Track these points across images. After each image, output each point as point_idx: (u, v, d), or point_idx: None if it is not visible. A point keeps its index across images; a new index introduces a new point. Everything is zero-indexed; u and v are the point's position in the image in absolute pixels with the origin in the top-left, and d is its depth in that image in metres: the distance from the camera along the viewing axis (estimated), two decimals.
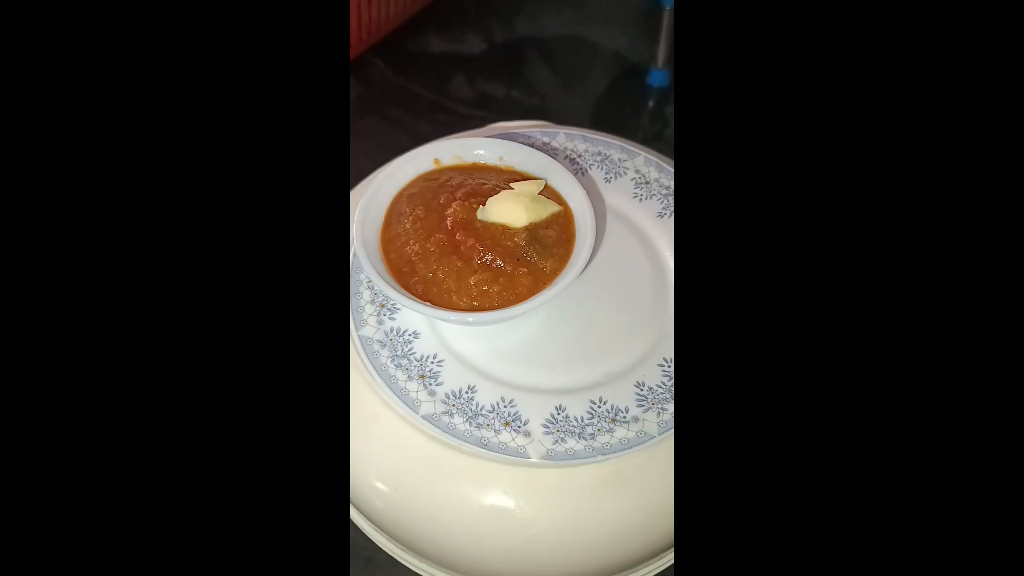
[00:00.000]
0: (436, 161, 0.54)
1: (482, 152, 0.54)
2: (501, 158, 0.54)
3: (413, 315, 0.52)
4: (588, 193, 0.52)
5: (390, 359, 0.50)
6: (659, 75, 1.00)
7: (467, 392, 0.49)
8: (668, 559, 0.53)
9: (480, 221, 0.49)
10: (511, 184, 0.51)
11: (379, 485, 0.50)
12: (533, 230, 0.49)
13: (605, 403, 0.49)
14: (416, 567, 0.54)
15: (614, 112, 1.00)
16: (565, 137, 0.63)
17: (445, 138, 0.59)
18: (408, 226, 0.49)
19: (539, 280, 0.48)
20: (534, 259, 0.49)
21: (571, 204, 0.52)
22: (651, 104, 1.02)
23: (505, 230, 0.49)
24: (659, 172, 0.61)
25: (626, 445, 0.47)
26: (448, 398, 0.49)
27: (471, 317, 0.47)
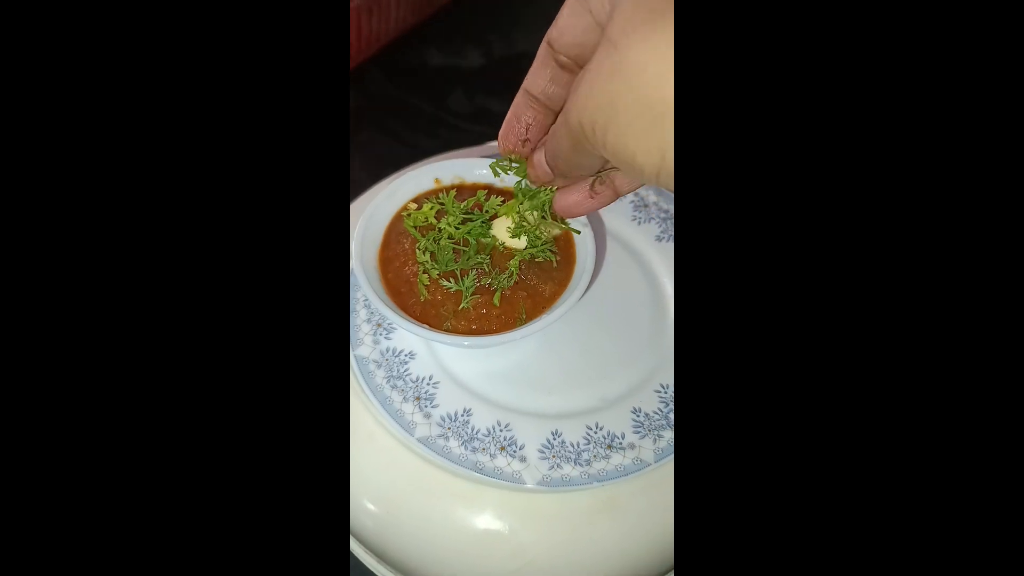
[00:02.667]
0: (436, 180, 0.53)
1: (483, 172, 0.54)
2: (502, 178, 0.54)
3: (409, 336, 0.51)
4: (588, 215, 0.52)
5: (385, 380, 0.50)
6: None
7: (463, 415, 0.48)
8: None
9: (480, 243, 0.49)
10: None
11: (369, 506, 0.49)
12: (533, 253, 0.49)
13: (601, 429, 0.48)
14: None
15: None
16: None
17: (445, 157, 0.58)
18: (407, 246, 0.49)
19: (538, 303, 0.48)
20: (533, 282, 0.48)
21: (571, 226, 0.52)
22: None
23: (505, 252, 0.49)
24: (658, 195, 0.61)
25: (622, 472, 0.46)
26: (444, 421, 0.48)
27: (467, 341, 0.46)
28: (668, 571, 0.51)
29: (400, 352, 0.51)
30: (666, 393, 0.50)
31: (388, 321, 0.52)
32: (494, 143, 0.69)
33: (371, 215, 0.50)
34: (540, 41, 0.41)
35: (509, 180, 0.54)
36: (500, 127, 0.44)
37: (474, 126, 0.96)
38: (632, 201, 0.61)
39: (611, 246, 0.58)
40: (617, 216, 0.60)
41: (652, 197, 0.61)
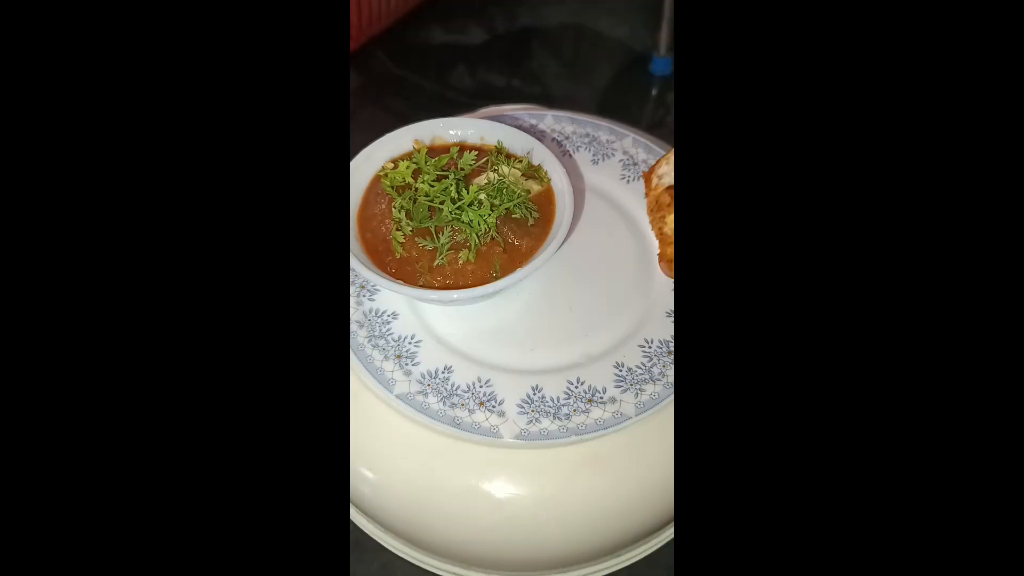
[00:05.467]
0: (416, 141, 0.53)
1: (461, 132, 0.54)
2: (482, 138, 0.54)
3: (392, 296, 0.51)
4: (569, 173, 0.51)
5: (367, 339, 0.50)
6: (662, 63, 0.99)
7: (443, 372, 0.48)
8: (645, 548, 0.52)
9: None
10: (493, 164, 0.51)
11: (366, 472, 0.49)
12: (512, 209, 0.48)
13: (583, 383, 0.48)
14: (398, 550, 0.53)
15: (618, 101, 0.99)
16: (553, 119, 0.62)
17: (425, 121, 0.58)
18: (385, 206, 0.49)
19: (514, 258, 0.48)
20: (510, 238, 0.48)
21: (552, 183, 0.51)
22: (654, 92, 1.01)
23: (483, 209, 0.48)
24: (647, 153, 0.60)
25: (602, 426, 0.46)
26: (424, 378, 0.48)
27: (456, 295, 0.46)
28: (654, 529, 0.50)
29: (383, 312, 0.51)
30: (649, 348, 0.49)
31: (372, 283, 0.52)
32: (485, 108, 0.69)
33: (350, 176, 0.51)
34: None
35: (490, 138, 0.54)
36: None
37: (476, 101, 0.96)
38: (621, 160, 0.60)
39: (598, 204, 0.57)
40: (605, 175, 0.59)
41: (641, 155, 0.60)
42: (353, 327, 0.50)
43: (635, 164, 0.60)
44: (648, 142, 0.61)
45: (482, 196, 0.48)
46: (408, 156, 0.52)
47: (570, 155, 0.60)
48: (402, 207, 0.48)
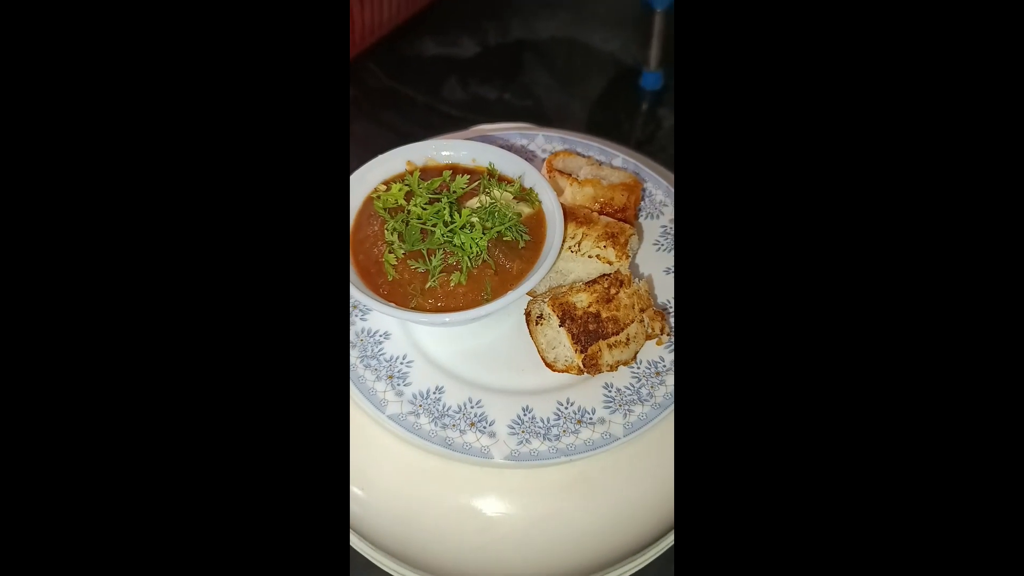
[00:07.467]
0: (409, 163, 0.54)
1: (454, 154, 0.54)
2: (474, 160, 0.54)
3: (385, 316, 0.52)
4: (558, 196, 0.52)
5: (359, 359, 0.50)
6: (652, 77, 1.00)
7: (435, 392, 0.49)
8: (633, 566, 0.53)
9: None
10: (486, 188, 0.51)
11: (357, 491, 0.50)
12: (503, 232, 0.49)
13: (572, 404, 0.48)
14: (388, 568, 0.54)
15: (608, 115, 1.00)
16: (544, 139, 0.63)
17: (418, 141, 0.59)
18: (377, 228, 0.50)
19: (506, 281, 0.48)
20: (501, 260, 0.49)
21: (543, 206, 0.52)
22: (644, 106, 1.02)
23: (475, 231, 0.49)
24: (636, 171, 0.61)
25: (590, 447, 0.47)
26: (415, 398, 0.49)
27: (447, 317, 0.47)
28: (641, 547, 0.51)
29: (375, 333, 0.52)
30: (638, 369, 0.50)
31: (364, 304, 0.52)
32: (477, 128, 0.69)
33: None
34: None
35: (482, 160, 0.55)
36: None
37: (469, 114, 0.97)
38: None
39: None
40: None
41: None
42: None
43: None
44: (637, 162, 0.62)
45: (474, 219, 0.49)
46: (401, 178, 0.53)
47: None
48: (394, 229, 0.49)
